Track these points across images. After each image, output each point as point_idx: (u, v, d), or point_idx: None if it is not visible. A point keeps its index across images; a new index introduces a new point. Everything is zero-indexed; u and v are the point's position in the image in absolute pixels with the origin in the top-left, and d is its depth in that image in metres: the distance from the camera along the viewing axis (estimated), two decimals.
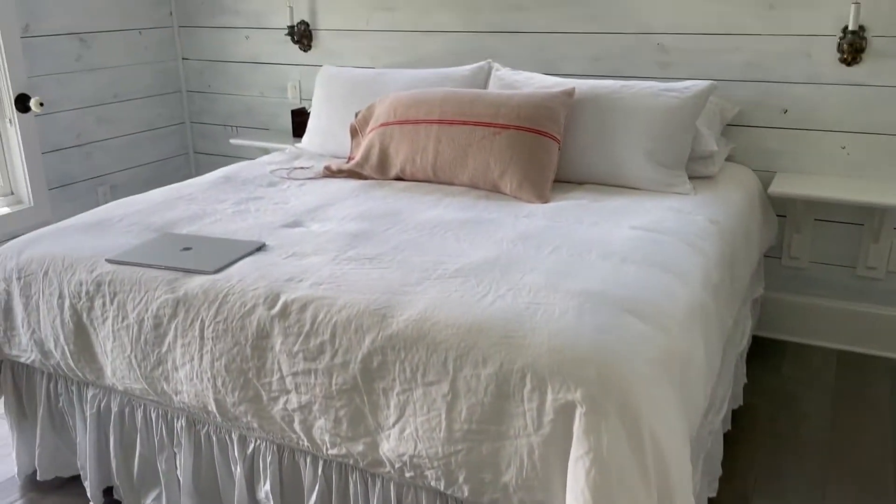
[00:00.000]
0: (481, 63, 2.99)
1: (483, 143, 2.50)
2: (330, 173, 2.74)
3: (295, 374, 1.69)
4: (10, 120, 3.19)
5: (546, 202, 2.40)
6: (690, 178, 2.59)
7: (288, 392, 1.70)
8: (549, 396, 1.44)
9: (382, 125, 2.71)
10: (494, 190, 2.51)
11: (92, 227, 2.17)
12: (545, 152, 2.48)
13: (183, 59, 3.94)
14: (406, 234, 2.09)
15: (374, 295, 1.70)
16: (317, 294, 1.72)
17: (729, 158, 2.87)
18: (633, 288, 1.72)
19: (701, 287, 1.87)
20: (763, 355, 2.91)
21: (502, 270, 1.81)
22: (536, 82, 2.79)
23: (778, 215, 2.87)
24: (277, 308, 1.71)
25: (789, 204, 2.83)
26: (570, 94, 2.58)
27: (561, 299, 1.65)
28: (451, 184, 2.59)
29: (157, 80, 3.84)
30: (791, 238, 2.90)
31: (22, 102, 3.18)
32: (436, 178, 2.60)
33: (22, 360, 2.07)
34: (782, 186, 2.67)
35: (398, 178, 2.67)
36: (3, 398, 2.21)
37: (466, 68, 2.98)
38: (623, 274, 1.79)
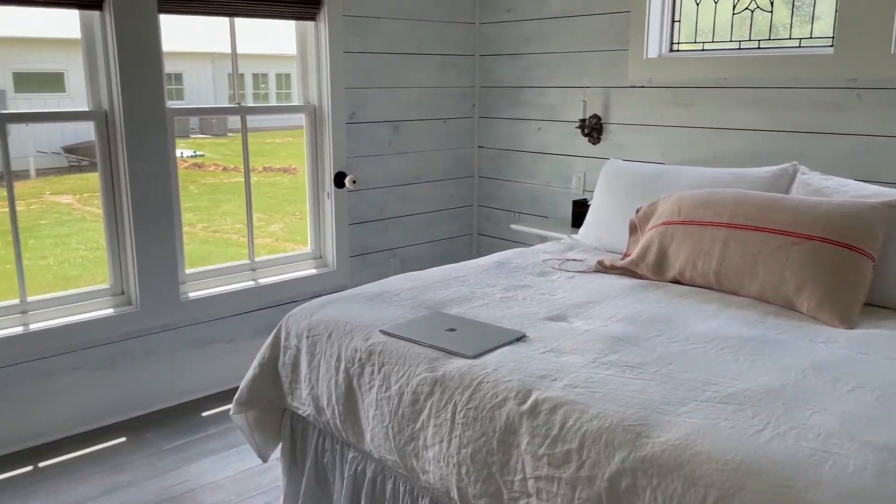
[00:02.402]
0: (785, 165, 2.73)
1: (778, 253, 2.25)
2: (602, 268, 2.66)
3: (538, 478, 1.61)
4: (328, 194, 3.64)
5: (851, 328, 2.06)
6: None
7: (529, 496, 1.62)
8: None
9: (664, 223, 2.58)
10: (787, 306, 2.23)
11: (375, 298, 2.34)
12: (854, 270, 2.15)
13: (479, 146, 4.21)
14: (676, 344, 1.93)
15: (630, 409, 1.57)
16: (569, 397, 1.64)
17: None
18: None
19: None
20: None
21: (786, 404, 1.57)
22: (850, 190, 2.46)
23: None
24: (528, 405, 1.66)
25: None
26: (893, 206, 2.23)
27: (858, 451, 1.37)
28: (735, 294, 2.35)
29: (454, 164, 4.13)
30: None
31: (339, 179, 3.62)
32: (718, 286, 2.39)
33: (300, 412, 2.27)
34: None
35: (675, 282, 2.50)
36: (280, 444, 2.43)
37: (766, 170, 2.74)
38: None
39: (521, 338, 2.00)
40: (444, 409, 1.81)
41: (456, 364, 1.86)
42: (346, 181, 3.61)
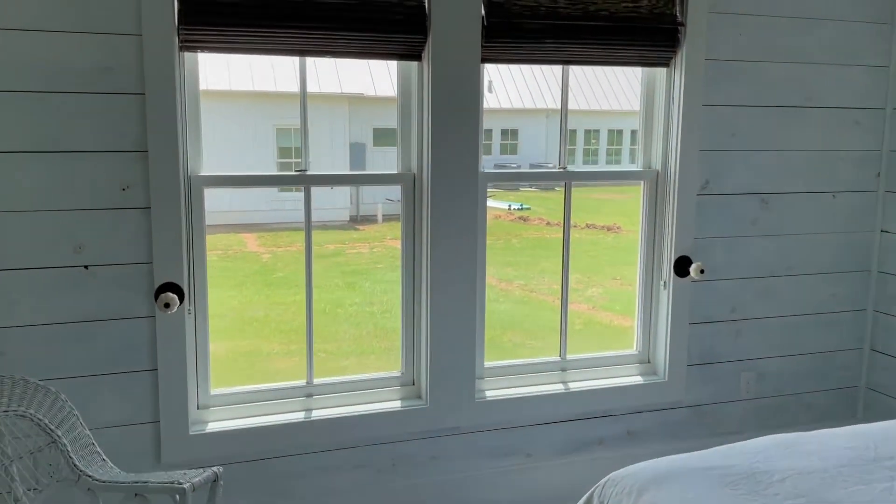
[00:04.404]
0: None
1: None
2: None
3: None
4: (664, 283, 2.86)
5: None
6: None
7: None
8: None
9: None
10: None
11: (741, 482, 1.51)
12: None
13: (881, 231, 3.07)
14: None
15: None
16: None
17: None
18: None
19: None
20: None
21: None
22: None
23: None
24: None
25: None
26: None
27: None
28: None
29: (841, 253, 3.05)
30: None
31: (682, 266, 2.82)
32: None
33: None
34: None
35: None
36: None
37: None
38: None
39: None
40: None
41: None
42: (692, 269, 2.80)
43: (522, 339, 6.71)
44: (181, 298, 2.23)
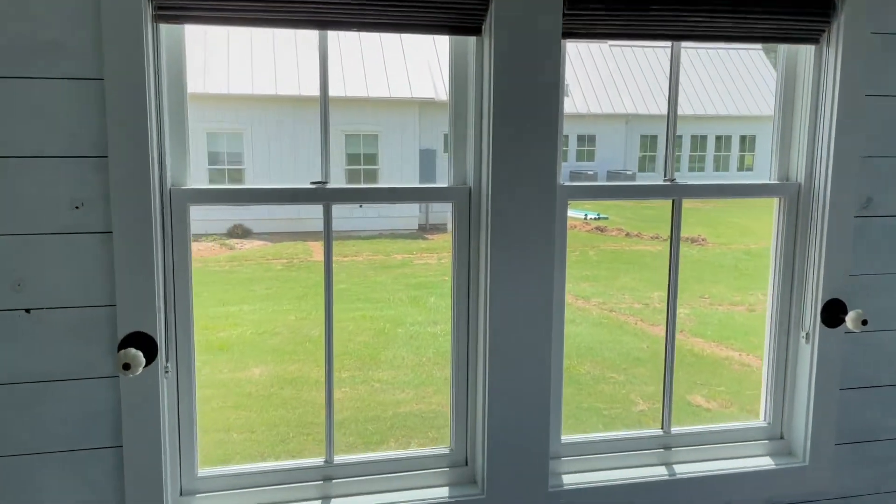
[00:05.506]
0: None
1: None
2: None
3: None
4: (806, 335, 2.13)
5: None
6: None
7: None
8: None
9: None
10: None
11: None
12: None
13: None
14: None
15: None
16: None
17: None
18: None
19: None
20: None
21: None
22: None
23: None
24: None
25: None
26: None
27: None
28: None
29: None
30: None
31: (833, 312, 2.08)
32: None
33: None
34: None
35: None
36: None
37: None
38: None
39: None
40: None
41: None
42: (849, 319, 2.06)
43: (602, 370, 5.96)
44: (153, 355, 1.67)
